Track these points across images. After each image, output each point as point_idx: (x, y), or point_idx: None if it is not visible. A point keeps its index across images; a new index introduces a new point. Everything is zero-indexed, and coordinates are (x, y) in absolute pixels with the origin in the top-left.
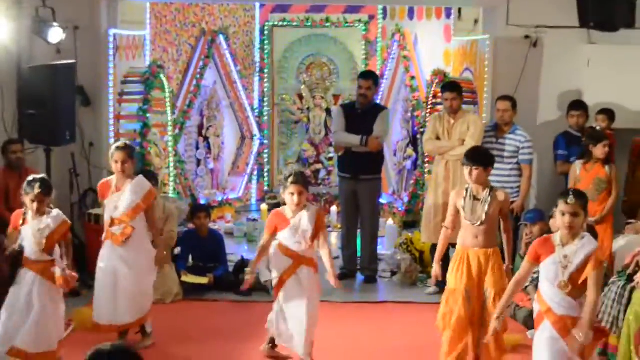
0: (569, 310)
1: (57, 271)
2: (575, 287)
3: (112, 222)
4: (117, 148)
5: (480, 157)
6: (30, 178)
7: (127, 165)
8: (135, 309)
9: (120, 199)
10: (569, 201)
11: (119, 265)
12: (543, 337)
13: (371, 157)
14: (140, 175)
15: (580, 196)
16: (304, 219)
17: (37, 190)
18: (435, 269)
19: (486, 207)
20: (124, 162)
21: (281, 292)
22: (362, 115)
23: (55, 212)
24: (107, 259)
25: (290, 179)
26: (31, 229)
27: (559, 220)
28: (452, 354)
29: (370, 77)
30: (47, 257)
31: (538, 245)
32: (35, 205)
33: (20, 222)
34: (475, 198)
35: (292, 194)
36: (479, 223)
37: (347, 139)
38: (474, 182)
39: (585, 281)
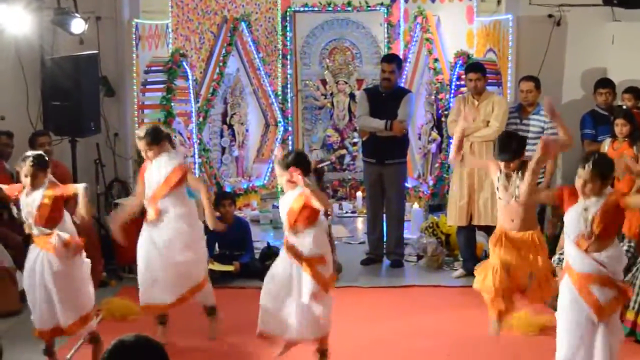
0: (588, 267)
1: (53, 239)
2: (595, 240)
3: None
4: (138, 137)
5: (515, 149)
6: (25, 154)
7: (150, 152)
8: (176, 289)
9: (152, 173)
10: (585, 167)
11: (151, 248)
12: (565, 301)
13: (396, 141)
14: (166, 153)
15: (599, 164)
16: (282, 201)
17: (29, 164)
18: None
19: (518, 182)
20: (145, 151)
21: None
22: (386, 99)
23: (47, 180)
24: (143, 242)
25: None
26: (27, 203)
27: (576, 181)
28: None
29: (393, 61)
30: (47, 230)
31: (568, 192)
32: (28, 180)
33: (16, 193)
34: (507, 177)
35: (279, 176)
36: (513, 200)
37: (372, 124)
38: (512, 170)
39: (606, 236)
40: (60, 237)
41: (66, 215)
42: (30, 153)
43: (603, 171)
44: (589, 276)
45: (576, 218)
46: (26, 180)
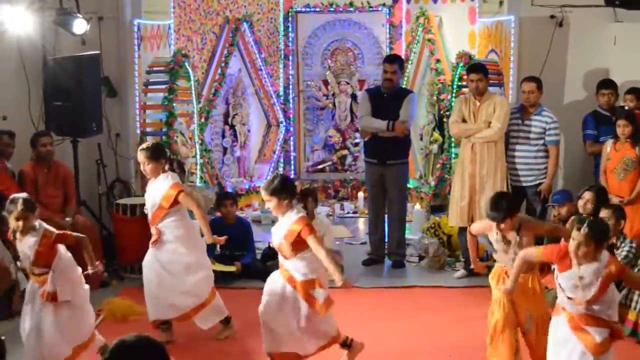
0: (581, 311)
1: (48, 285)
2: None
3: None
4: (140, 149)
5: (505, 208)
6: (12, 197)
7: (148, 167)
8: (181, 307)
9: (149, 196)
10: (580, 230)
11: (157, 267)
12: (559, 333)
13: (398, 141)
14: (162, 175)
15: (594, 229)
16: (276, 227)
17: (20, 207)
18: (477, 266)
19: (517, 249)
20: (143, 164)
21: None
22: (388, 99)
23: (38, 224)
24: (149, 262)
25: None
26: (22, 249)
27: (570, 244)
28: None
29: (395, 61)
30: (44, 270)
31: (557, 255)
32: (20, 223)
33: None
34: (504, 239)
35: (266, 201)
36: (511, 263)
37: (374, 124)
38: (504, 232)
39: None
40: (52, 286)
41: (60, 248)
42: (17, 195)
43: (598, 236)
44: (584, 317)
45: (573, 284)
46: (18, 224)
